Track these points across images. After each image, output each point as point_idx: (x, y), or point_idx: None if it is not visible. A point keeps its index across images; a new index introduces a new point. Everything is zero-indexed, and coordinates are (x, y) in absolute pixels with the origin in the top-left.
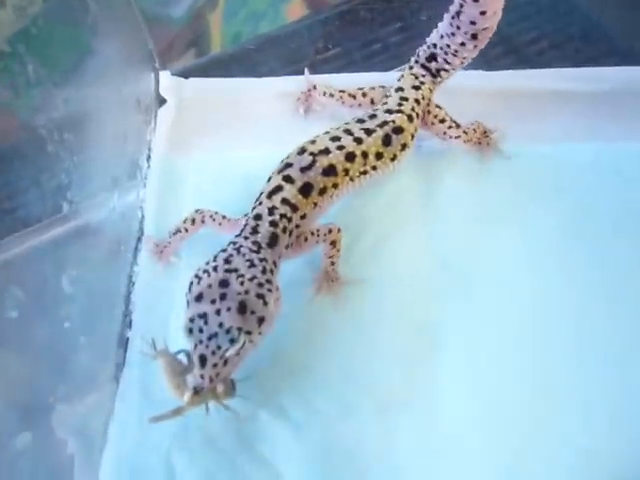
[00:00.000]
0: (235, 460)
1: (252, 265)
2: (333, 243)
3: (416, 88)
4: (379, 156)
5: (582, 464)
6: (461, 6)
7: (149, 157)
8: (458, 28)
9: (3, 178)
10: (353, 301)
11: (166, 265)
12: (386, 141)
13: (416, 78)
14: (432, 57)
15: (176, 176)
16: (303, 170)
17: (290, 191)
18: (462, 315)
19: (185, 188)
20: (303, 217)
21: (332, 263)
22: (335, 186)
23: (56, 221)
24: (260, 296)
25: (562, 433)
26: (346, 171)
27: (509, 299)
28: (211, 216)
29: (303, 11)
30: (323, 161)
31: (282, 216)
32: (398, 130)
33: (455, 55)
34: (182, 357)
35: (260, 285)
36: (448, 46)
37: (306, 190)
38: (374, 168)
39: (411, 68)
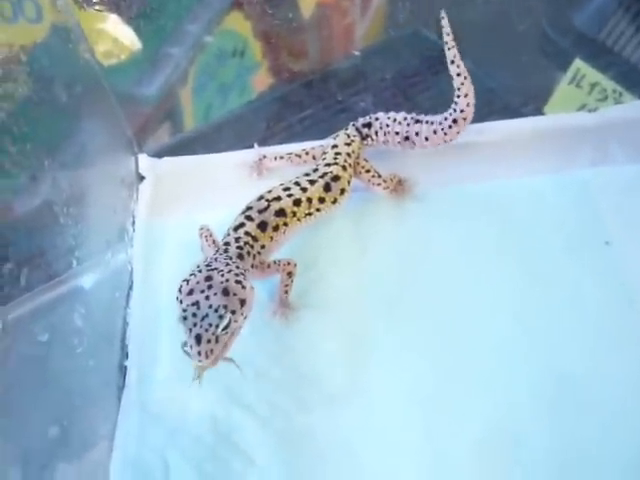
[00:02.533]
0: (216, 451)
1: (228, 264)
2: (289, 274)
3: (347, 144)
4: (322, 200)
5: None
6: (426, 122)
7: (134, 223)
8: (407, 125)
9: (28, 243)
10: (301, 321)
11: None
12: (327, 188)
13: (348, 137)
14: (368, 125)
15: (156, 236)
16: (260, 212)
17: (250, 226)
18: (390, 323)
19: (163, 245)
20: (263, 247)
21: (286, 292)
22: (285, 224)
23: (69, 275)
24: (238, 282)
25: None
26: (294, 213)
27: (429, 309)
28: (208, 235)
29: (268, 80)
30: (275, 205)
31: (245, 243)
32: (336, 178)
33: (385, 135)
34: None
35: (237, 275)
36: (387, 125)
37: (262, 226)
38: (318, 210)
39: (346, 129)
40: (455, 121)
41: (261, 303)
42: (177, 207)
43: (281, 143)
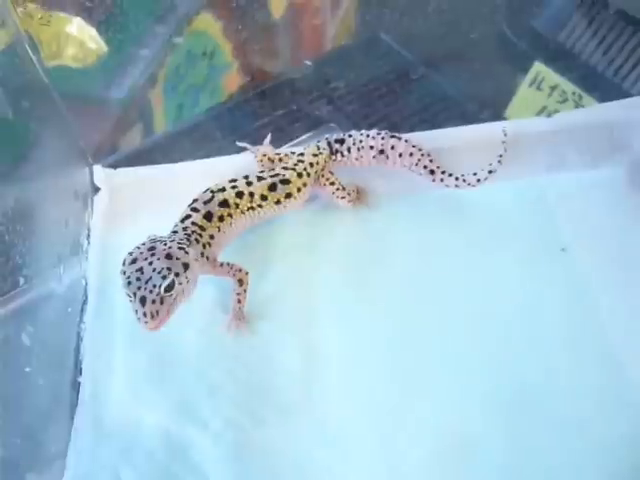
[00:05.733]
0: (170, 467)
1: (172, 237)
2: (240, 281)
3: (314, 155)
4: (263, 198)
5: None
6: (405, 141)
7: (88, 236)
8: (382, 139)
9: None
10: (255, 334)
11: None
12: (272, 187)
13: (318, 149)
14: (341, 141)
15: (112, 249)
16: (205, 203)
17: (197, 217)
18: (346, 336)
19: (120, 258)
20: (212, 237)
21: (239, 301)
22: (230, 215)
23: (16, 293)
24: (181, 248)
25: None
26: (237, 205)
27: (385, 321)
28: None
29: (239, 81)
30: (219, 196)
31: (193, 232)
32: (285, 182)
33: (358, 150)
34: None
35: (180, 243)
36: (360, 142)
37: (208, 217)
38: (260, 206)
39: (319, 142)
40: (432, 172)
41: (215, 317)
42: (134, 219)
43: (237, 152)
